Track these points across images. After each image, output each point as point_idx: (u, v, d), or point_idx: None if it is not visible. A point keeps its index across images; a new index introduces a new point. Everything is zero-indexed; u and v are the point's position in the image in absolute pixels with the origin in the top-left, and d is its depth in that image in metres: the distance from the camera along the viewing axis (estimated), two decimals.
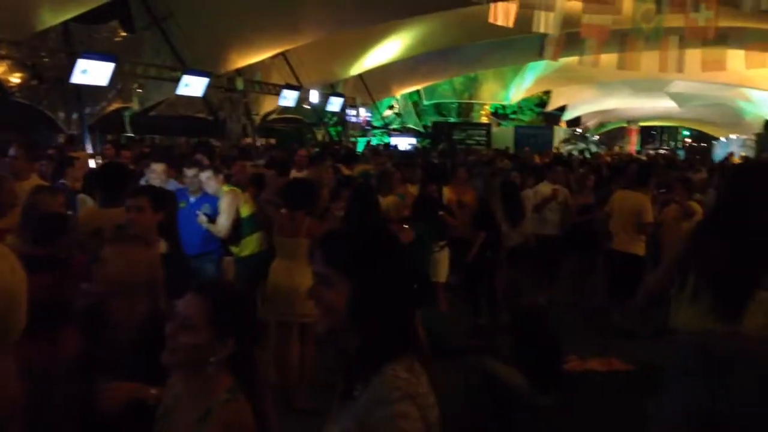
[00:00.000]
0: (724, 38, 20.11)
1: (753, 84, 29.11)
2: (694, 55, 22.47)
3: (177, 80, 16.46)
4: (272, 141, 22.78)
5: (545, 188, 8.89)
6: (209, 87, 17.32)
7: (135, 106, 19.55)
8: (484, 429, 4.82)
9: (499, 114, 37.07)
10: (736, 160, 24.79)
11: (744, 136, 36.04)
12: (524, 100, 35.55)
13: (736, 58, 22.95)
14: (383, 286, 1.66)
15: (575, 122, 40.17)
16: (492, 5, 17.61)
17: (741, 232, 3.11)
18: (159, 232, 3.89)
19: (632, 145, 44.33)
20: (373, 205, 6.05)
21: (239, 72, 19.26)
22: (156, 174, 6.64)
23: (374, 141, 28.17)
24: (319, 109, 24.29)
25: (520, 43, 23.67)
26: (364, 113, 26.93)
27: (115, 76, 14.49)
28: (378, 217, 5.97)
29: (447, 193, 8.27)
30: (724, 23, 18.35)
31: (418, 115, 33.09)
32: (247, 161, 10.34)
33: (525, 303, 5.54)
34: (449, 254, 7.33)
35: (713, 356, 3.11)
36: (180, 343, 2.08)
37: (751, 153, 30.93)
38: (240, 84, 19.26)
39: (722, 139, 42.47)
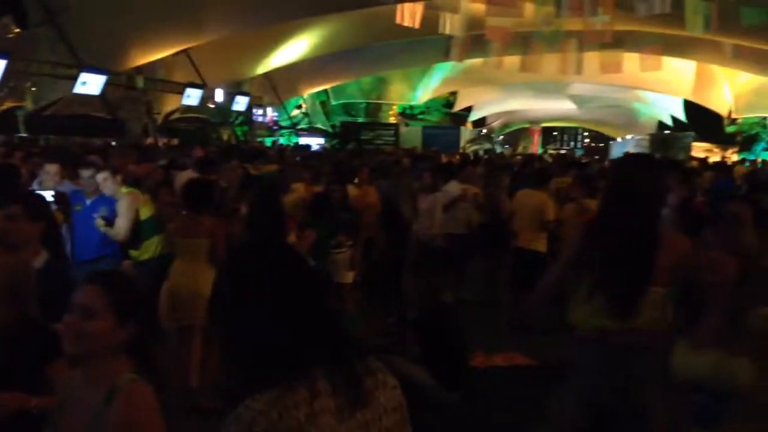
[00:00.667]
0: (620, 42, 20.94)
1: (647, 86, 30.46)
2: (592, 58, 23.33)
3: (73, 78, 15.83)
4: (175, 141, 22.22)
5: (455, 188, 8.96)
6: (107, 85, 16.74)
7: (29, 105, 18.68)
8: None
9: (407, 114, 37.43)
10: None
11: (639, 136, 37.63)
12: (431, 100, 36.03)
13: (631, 61, 23.93)
14: (250, 321, 1.57)
15: (481, 123, 41.01)
16: (398, 6, 17.75)
17: (628, 229, 3.15)
18: (42, 240, 3.68)
19: (535, 145, 45.62)
20: (276, 206, 5.94)
21: (139, 70, 18.68)
22: (49, 175, 6.33)
23: (282, 141, 27.92)
24: (225, 109, 23.87)
25: (427, 45, 23.97)
26: (270, 113, 26.64)
27: (8, 74, 13.81)
28: (281, 218, 5.87)
29: (353, 192, 8.25)
30: (620, 27, 19.10)
31: (326, 114, 33.02)
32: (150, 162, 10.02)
33: (432, 301, 5.58)
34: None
35: (611, 353, 3.18)
36: (83, 332, 2.11)
37: (645, 152, 32.33)
38: (140, 82, 18.68)
39: (618, 139, 44.19)
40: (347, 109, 34.99)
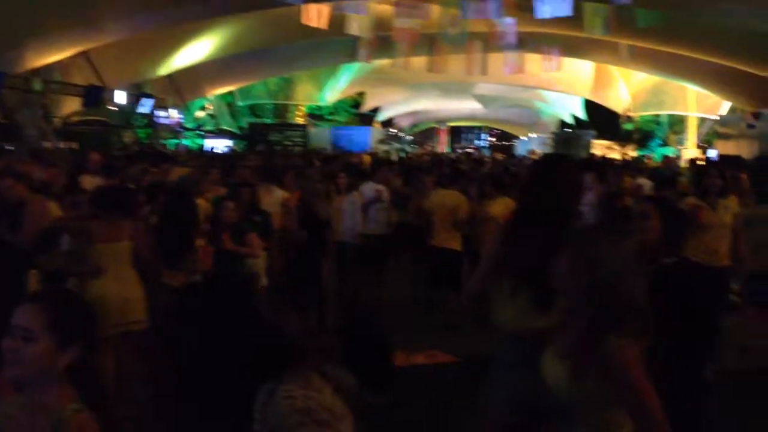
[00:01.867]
0: (522, 43, 21.50)
1: (548, 86, 31.40)
2: (496, 59, 23.86)
3: None
4: (74, 145, 21.34)
5: (370, 188, 8.96)
6: (2, 88, 15.94)
7: None
8: None
9: (315, 115, 37.27)
10: (535, 155, 26.52)
11: (543, 135, 38.75)
12: (339, 101, 35.99)
13: (533, 61, 24.60)
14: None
15: (389, 123, 41.27)
16: (305, 6, 17.64)
17: (547, 226, 3.18)
18: None
19: (442, 144, 46.25)
20: (190, 212, 5.79)
21: (36, 72, 17.86)
22: None
23: (186, 143, 27.29)
24: (127, 111, 23.14)
25: (334, 45, 23.93)
26: (175, 115, 25.98)
27: None
28: (195, 224, 5.73)
29: (280, 194, 8.13)
30: (523, 29, 19.61)
31: (233, 116, 32.48)
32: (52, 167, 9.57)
33: (355, 302, 5.57)
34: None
35: (533, 350, 3.22)
36: (22, 356, 1.97)
37: (549, 150, 33.30)
38: (37, 85, 17.85)
39: (523, 137, 45.40)
40: (254, 110, 34.53)
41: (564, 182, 3.23)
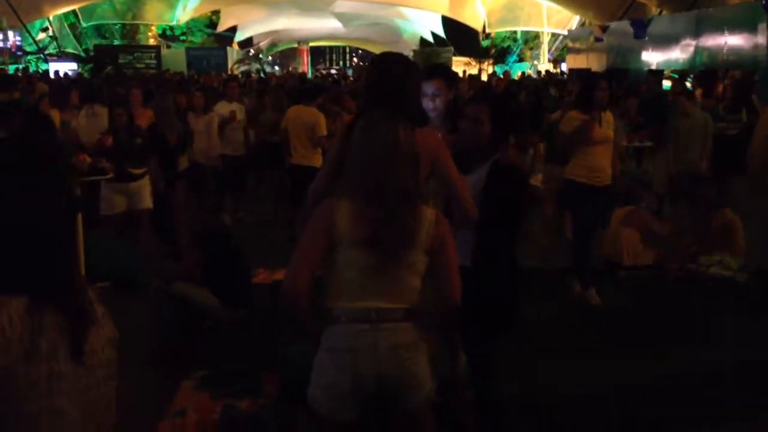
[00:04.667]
0: None
1: (406, 3, 31.30)
2: None
3: None
4: None
5: (223, 108, 8.73)
6: None
7: None
8: (176, 349, 4.71)
9: (168, 36, 35.54)
10: None
11: (404, 53, 38.78)
12: (193, 20, 34.43)
13: None
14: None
15: (247, 43, 39.98)
16: None
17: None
18: None
19: (304, 64, 45.42)
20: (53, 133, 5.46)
21: None
22: None
23: (31, 67, 25.39)
24: None
25: None
26: (13, 37, 23.95)
27: None
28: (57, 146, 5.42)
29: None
30: None
31: (77, 38, 30.40)
32: None
33: (211, 223, 5.44)
34: None
35: None
36: None
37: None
38: None
39: None
40: (100, 31, 32.46)
41: (399, 77, 3.05)
